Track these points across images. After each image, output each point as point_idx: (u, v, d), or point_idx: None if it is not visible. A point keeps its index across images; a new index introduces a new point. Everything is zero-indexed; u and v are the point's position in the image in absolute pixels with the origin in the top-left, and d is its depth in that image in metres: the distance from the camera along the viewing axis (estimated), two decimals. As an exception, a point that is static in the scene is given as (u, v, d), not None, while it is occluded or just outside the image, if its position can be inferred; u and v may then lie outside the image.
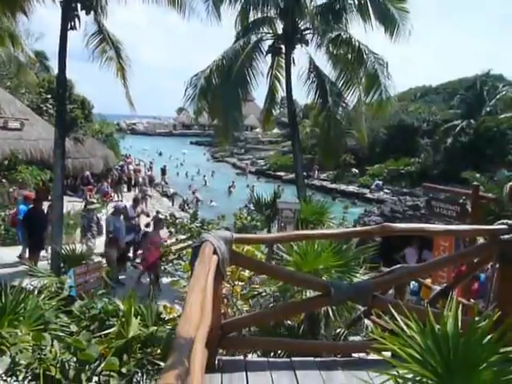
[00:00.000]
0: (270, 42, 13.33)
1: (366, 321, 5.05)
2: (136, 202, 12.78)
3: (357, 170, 36.01)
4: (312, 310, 4.24)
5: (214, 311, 3.11)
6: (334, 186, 35.11)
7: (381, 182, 32.17)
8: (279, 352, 4.32)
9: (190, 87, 12.42)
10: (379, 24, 12.14)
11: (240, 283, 7.20)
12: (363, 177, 34.79)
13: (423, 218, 11.52)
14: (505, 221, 3.34)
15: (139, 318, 4.07)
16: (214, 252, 3.05)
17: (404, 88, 50.63)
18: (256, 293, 6.03)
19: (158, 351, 3.76)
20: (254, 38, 12.91)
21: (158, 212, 15.64)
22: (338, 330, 5.14)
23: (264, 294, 5.73)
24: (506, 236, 3.20)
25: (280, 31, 13.31)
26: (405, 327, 1.98)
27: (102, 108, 36.24)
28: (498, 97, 31.80)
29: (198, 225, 13.31)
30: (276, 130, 48.57)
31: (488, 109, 30.55)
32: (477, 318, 1.93)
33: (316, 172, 37.67)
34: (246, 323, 3.82)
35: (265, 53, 12.96)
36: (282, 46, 13.15)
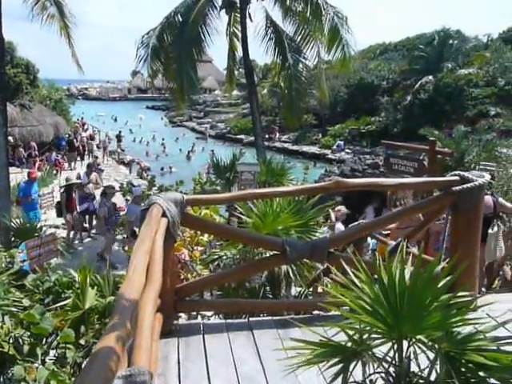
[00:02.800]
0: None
1: (326, 279, 5.10)
2: (89, 168, 12.37)
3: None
4: (268, 269, 4.21)
5: (165, 274, 3.00)
6: (295, 147, 35.12)
7: (342, 143, 32.36)
8: (241, 315, 4.31)
9: (142, 47, 11.85)
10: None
11: (199, 248, 7.14)
12: (325, 137, 34.90)
13: (382, 175, 11.68)
14: (457, 172, 3.34)
15: (96, 288, 3.95)
16: (164, 215, 2.93)
17: (363, 46, 50.58)
18: (216, 257, 5.97)
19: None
20: (208, -8, 12.34)
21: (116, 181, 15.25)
22: (299, 290, 5.18)
23: (224, 257, 5.68)
24: (458, 187, 3.20)
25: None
26: (356, 280, 1.94)
27: (49, 73, 34.55)
28: (455, 52, 32.19)
29: (155, 192, 13.02)
30: (236, 92, 47.73)
31: (448, 64, 30.88)
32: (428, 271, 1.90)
33: (277, 134, 37.53)
34: (201, 286, 3.75)
35: (219, 8, 12.44)
36: (237, 1, 12.64)
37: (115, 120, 51.60)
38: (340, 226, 8.58)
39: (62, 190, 11.30)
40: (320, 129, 36.50)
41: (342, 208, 9.13)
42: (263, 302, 3.93)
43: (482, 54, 33.18)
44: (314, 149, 34.12)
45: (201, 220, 3.76)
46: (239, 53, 14.50)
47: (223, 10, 12.86)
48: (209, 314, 5.01)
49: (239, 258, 5.07)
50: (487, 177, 3.31)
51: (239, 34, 13.64)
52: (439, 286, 1.85)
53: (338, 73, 13.03)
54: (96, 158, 22.53)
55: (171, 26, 11.91)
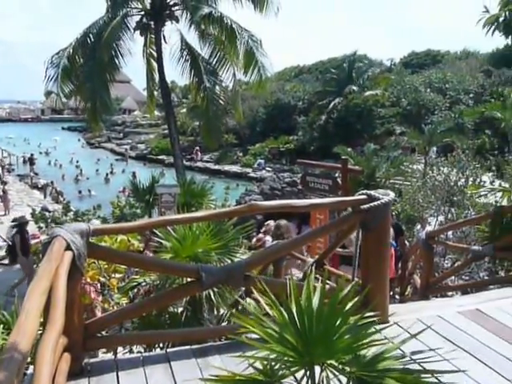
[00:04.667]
0: (138, 18, 12.62)
1: (248, 299, 5.07)
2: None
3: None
4: (186, 296, 4.09)
5: (72, 311, 2.81)
6: (217, 167, 35.25)
7: (263, 161, 33.01)
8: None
9: (51, 67, 11.30)
10: (248, 1, 12.15)
11: (117, 275, 6.79)
12: (246, 156, 35.39)
13: (300, 193, 12.00)
14: (365, 191, 3.48)
15: (2, 326, 3.61)
16: (68, 247, 2.74)
17: (279, 68, 52.42)
18: (135, 284, 5.71)
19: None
20: (121, 13, 12.10)
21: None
22: (222, 312, 5.09)
23: (144, 284, 5.46)
24: (366, 206, 3.33)
25: (149, 6, 12.65)
26: (266, 307, 1.92)
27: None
28: (363, 75, 34.31)
29: (71, 217, 12.33)
30: (156, 113, 47.12)
31: (355, 87, 32.79)
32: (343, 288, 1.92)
33: (199, 154, 37.45)
34: (115, 319, 3.54)
35: (133, 29, 12.25)
36: (152, 23, 12.53)
37: (28, 142, 48.58)
38: (269, 238, 8.66)
39: (14, 230, 10.19)
40: (241, 148, 36.99)
41: (271, 222, 9.24)
42: (181, 332, 3.80)
43: (386, 76, 35.74)
44: (235, 168, 34.45)
45: (110, 250, 3.58)
46: (157, 74, 14.35)
47: (137, 32, 12.68)
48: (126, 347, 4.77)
49: (160, 283, 4.90)
50: (392, 195, 3.48)
51: (156, 55, 13.50)
52: (347, 307, 1.88)
53: (255, 94, 13.37)
54: (5, 183, 20.96)
55: (83, 47, 11.51)
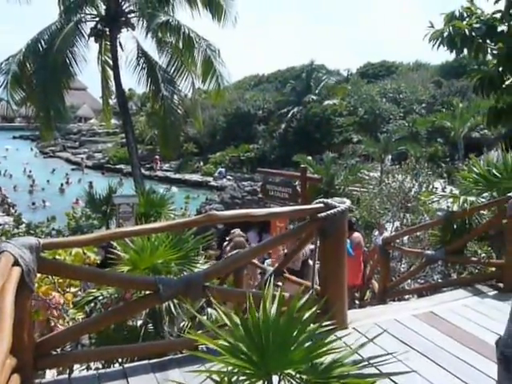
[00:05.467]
0: (93, 25, 12.36)
1: (209, 309, 5.01)
2: None
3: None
4: (145, 309, 4.00)
5: (21, 330, 2.69)
6: (178, 176, 34.90)
7: (224, 170, 32.97)
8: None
9: (0, 74, 10.86)
10: (206, 10, 12.17)
11: (72, 289, 6.57)
12: (206, 165, 35.25)
13: (261, 201, 12.05)
14: (321, 200, 3.53)
15: None
16: (16, 263, 2.62)
17: (239, 77, 52.65)
18: (91, 298, 5.53)
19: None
20: (74, 19, 11.81)
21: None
22: (182, 324, 5.01)
23: (101, 297, 5.29)
24: (323, 214, 3.37)
25: (104, 13, 12.43)
26: (225, 318, 1.90)
27: None
28: (321, 85, 35.01)
29: (23, 230, 11.83)
30: (114, 121, 46.21)
31: (313, 96, 33.37)
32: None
33: (159, 163, 36.98)
34: (69, 336, 3.41)
35: (87, 36, 11.98)
36: (107, 29, 12.31)
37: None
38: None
39: None
40: (201, 157, 36.82)
41: (237, 231, 9.20)
42: (140, 346, 3.70)
43: (343, 86, 36.57)
44: (196, 177, 34.22)
45: (62, 265, 3.45)
46: (112, 81, 14.08)
47: (92, 39, 12.42)
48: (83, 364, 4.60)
49: (118, 297, 4.77)
50: (348, 202, 3.54)
51: (111, 63, 13.26)
52: (305, 316, 1.88)
53: (214, 103, 13.41)
54: None
55: (34, 53, 11.13)
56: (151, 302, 3.34)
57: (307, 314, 1.86)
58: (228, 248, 9.07)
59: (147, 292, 3.38)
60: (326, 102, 32.61)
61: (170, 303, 4.35)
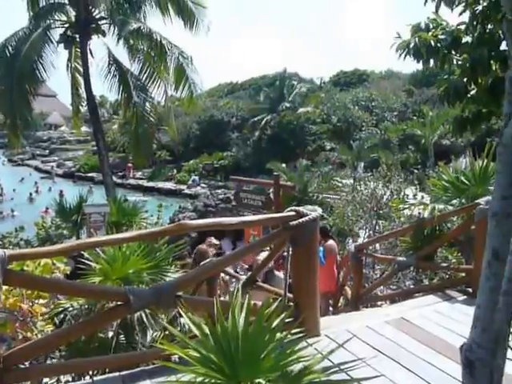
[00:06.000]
0: (62, 31, 12.17)
1: (182, 319, 4.95)
2: None
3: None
4: (115, 320, 3.92)
5: (-15, 345, 2.60)
6: (151, 184, 34.51)
7: (197, 178, 32.80)
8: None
9: (-36, 79, 10.57)
10: (178, 18, 12.17)
11: (41, 301, 6.40)
12: (180, 173, 35.01)
13: (234, 209, 12.04)
14: (293, 208, 3.54)
15: None
16: (-20, 275, 2.54)
17: (212, 84, 52.70)
18: (61, 309, 5.39)
19: None
20: (43, 25, 11.61)
21: None
22: (155, 334, 4.94)
23: (71, 309, 5.17)
24: (295, 222, 3.39)
25: (73, 19, 12.27)
26: (194, 328, 1.88)
27: None
28: (294, 92, 35.36)
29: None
30: (85, 128, 45.48)
31: (287, 104, 33.65)
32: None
33: (131, 171, 36.52)
34: (37, 349, 3.31)
35: (56, 42, 11.78)
36: (77, 36, 12.15)
37: None
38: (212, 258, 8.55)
39: None
40: (175, 164, 36.56)
41: (212, 239, 9.20)
42: (111, 358, 3.63)
43: (317, 94, 37.04)
44: (169, 185, 33.90)
45: (29, 277, 3.37)
46: (83, 88, 13.87)
47: (61, 45, 12.22)
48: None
49: (88, 308, 4.66)
50: (319, 210, 3.57)
51: (81, 70, 13.08)
52: (274, 324, 1.88)
53: (187, 110, 13.41)
54: None
55: (0, 59, 10.87)
56: (122, 312, 3.27)
57: (276, 322, 1.86)
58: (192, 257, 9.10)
59: (118, 303, 3.32)
60: (300, 110, 32.92)
61: (141, 313, 4.29)
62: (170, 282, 3.50)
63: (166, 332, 5.00)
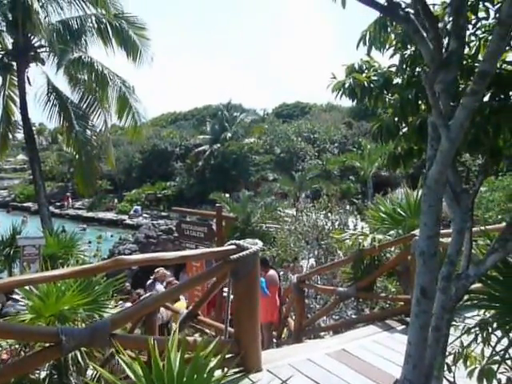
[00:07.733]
0: (-2, 58, 11.75)
1: (119, 358, 4.73)
2: None
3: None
4: (46, 363, 3.68)
5: None
6: (90, 214, 33.34)
7: (139, 208, 32.09)
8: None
9: None
10: (121, 49, 12.11)
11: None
12: (122, 203, 34.12)
13: (176, 241, 11.85)
14: (234, 241, 3.54)
15: None
16: None
17: (155, 114, 52.43)
18: (-12, 350, 4.99)
19: None
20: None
21: None
22: (91, 373, 4.68)
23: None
24: (236, 256, 3.38)
25: (10, 46, 11.89)
26: (127, 369, 1.80)
27: None
28: (238, 123, 35.86)
29: None
30: (21, 157, 43.56)
31: (230, 134, 34.02)
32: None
33: (70, 200, 35.18)
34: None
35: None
36: (14, 63, 11.76)
37: None
38: (160, 288, 8.39)
39: None
40: (116, 194, 35.67)
41: (162, 269, 9.02)
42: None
43: (260, 125, 37.78)
44: (110, 215, 32.91)
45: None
46: (16, 116, 13.38)
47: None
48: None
49: (19, 347, 4.36)
50: (260, 244, 3.59)
51: (15, 97, 12.65)
52: (212, 364, 1.84)
53: (131, 139, 13.27)
54: None
55: None
56: (53, 354, 3.07)
57: (215, 361, 1.82)
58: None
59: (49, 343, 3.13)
60: (244, 141, 33.35)
61: (76, 353, 4.07)
62: (105, 320, 3.34)
63: (104, 369, 4.77)
